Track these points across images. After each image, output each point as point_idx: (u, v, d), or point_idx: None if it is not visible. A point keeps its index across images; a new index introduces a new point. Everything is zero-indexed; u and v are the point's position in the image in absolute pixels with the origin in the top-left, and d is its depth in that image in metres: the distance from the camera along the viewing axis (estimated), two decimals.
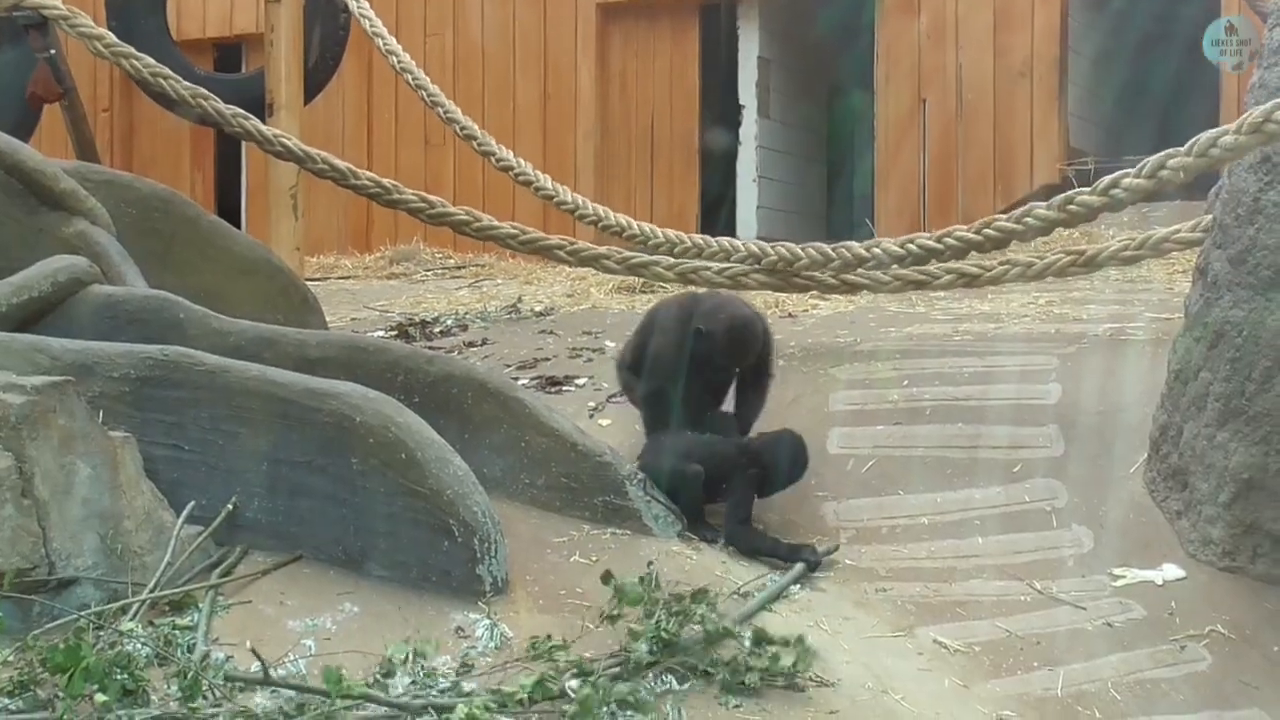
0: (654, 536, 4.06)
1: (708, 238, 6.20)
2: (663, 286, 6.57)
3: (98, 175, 5.02)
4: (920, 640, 3.89)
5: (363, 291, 8.76)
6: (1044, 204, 5.20)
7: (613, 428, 4.97)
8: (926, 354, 5.33)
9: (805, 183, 11.90)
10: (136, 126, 12.42)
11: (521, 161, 7.29)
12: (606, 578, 3.59)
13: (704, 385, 4.55)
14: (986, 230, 5.41)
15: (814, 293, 6.25)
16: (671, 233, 6.28)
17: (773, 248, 5.90)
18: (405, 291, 8.63)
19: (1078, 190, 5.05)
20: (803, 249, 5.82)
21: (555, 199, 6.98)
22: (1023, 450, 4.64)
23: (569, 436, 4.15)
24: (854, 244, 5.80)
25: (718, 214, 11.12)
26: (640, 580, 3.59)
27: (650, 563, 3.76)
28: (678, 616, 3.48)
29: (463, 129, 7.53)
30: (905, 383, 5.06)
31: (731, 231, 10.62)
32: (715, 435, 4.45)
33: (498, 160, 7.32)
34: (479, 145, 7.45)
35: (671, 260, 6.17)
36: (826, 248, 5.80)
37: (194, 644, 3.34)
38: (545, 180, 7.11)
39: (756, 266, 5.92)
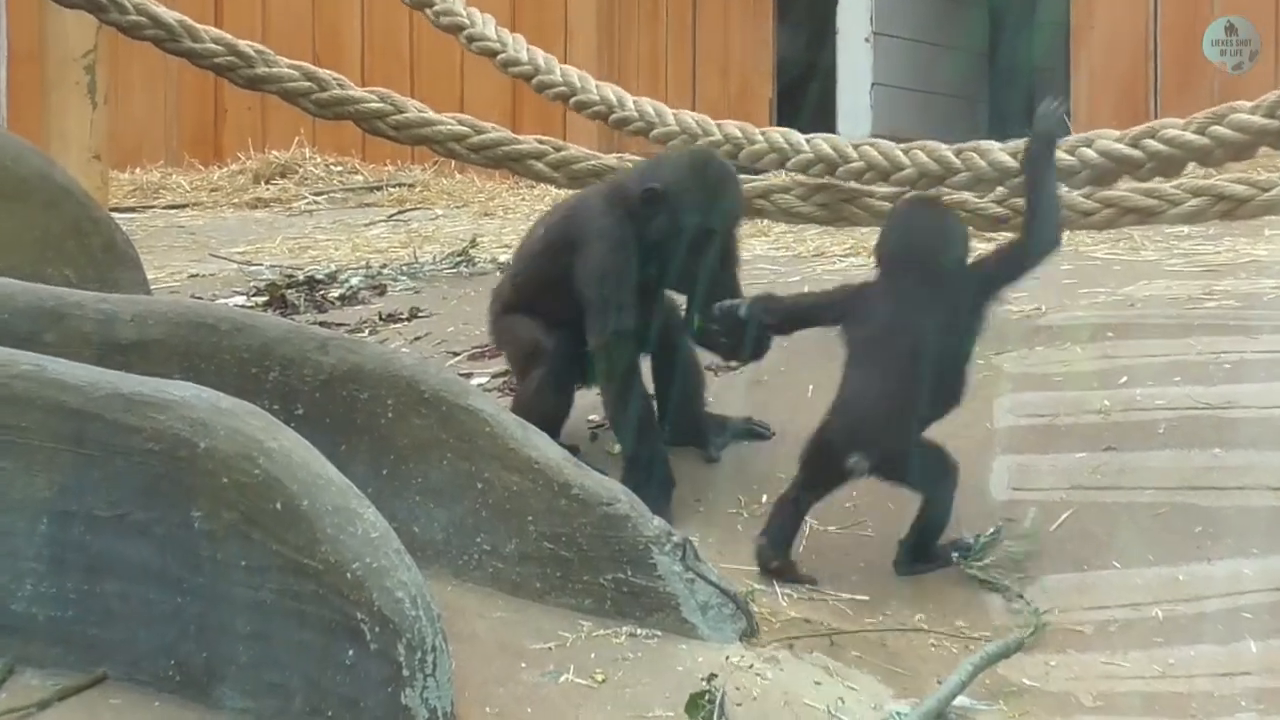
0: (700, 640, 4.06)
1: (771, 133, 6.15)
2: None
3: None
4: None
5: (209, 229, 8.79)
6: None
7: None
8: (1157, 332, 5.33)
9: (952, 44, 11.89)
10: None
11: None
12: None
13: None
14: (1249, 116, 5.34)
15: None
16: (731, 125, 6.20)
17: (860, 148, 5.81)
18: (281, 229, 8.65)
19: None
20: (928, 152, 5.71)
21: (500, 55, 6.85)
22: None
23: (557, 472, 4.16)
24: (998, 147, 5.69)
25: (804, 95, 11.12)
26: (691, 708, 3.58)
27: (711, 677, 3.77)
28: None
29: None
30: (1121, 380, 5.06)
31: (829, 124, 10.61)
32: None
33: None
34: None
35: None
36: (979, 156, 5.67)
37: None
38: (482, 22, 6.96)
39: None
